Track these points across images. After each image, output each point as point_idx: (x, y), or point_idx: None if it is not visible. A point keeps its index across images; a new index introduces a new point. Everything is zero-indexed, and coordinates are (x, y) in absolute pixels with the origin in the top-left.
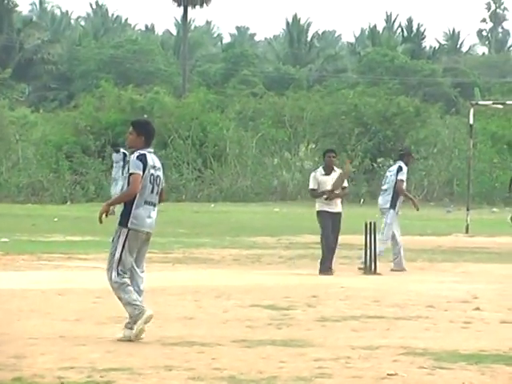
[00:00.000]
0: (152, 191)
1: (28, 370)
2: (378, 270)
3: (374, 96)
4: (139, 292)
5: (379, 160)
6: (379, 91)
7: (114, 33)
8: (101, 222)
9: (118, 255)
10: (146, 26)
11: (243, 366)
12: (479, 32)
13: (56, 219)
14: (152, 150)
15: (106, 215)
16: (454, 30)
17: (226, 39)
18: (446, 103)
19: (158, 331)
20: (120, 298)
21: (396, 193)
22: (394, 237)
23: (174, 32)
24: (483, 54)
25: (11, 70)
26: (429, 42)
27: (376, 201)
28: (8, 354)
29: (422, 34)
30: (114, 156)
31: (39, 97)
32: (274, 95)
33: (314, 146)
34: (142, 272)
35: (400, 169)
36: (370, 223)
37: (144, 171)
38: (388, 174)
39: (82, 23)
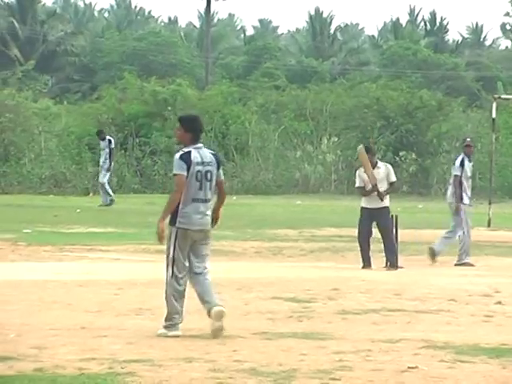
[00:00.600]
0: (200, 188)
1: (49, 360)
2: (399, 264)
3: (397, 89)
4: (203, 288)
5: (401, 153)
6: (402, 85)
7: (137, 25)
8: (162, 241)
9: (171, 255)
10: (169, 19)
11: (264, 359)
12: (502, 26)
13: (78, 210)
14: (200, 146)
15: (163, 231)
16: (477, 24)
17: (249, 32)
18: (468, 97)
19: None
20: (166, 300)
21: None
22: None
23: (197, 24)
24: (506, 47)
25: (34, 61)
26: (452, 36)
27: (398, 195)
28: (29, 344)
29: (445, 27)
30: (100, 144)
31: (62, 88)
32: (297, 88)
33: (336, 139)
34: (205, 269)
35: (454, 163)
36: (392, 216)
37: (189, 170)
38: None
39: (106, 15)
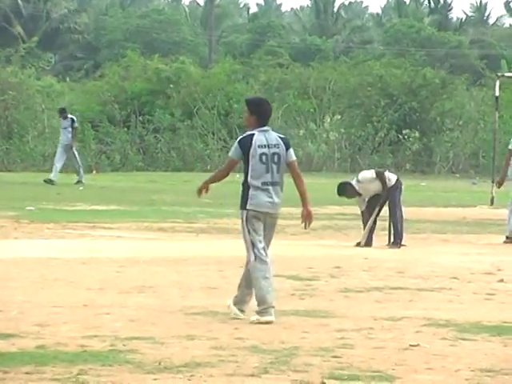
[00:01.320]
0: (268, 171)
1: (51, 338)
2: (403, 242)
3: (400, 67)
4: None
5: (405, 132)
6: (405, 63)
7: (140, 2)
8: (199, 195)
9: (248, 239)
10: None
11: (266, 336)
12: (506, 3)
13: (81, 188)
14: (266, 129)
15: (207, 191)
16: (481, 2)
17: (253, 9)
18: (472, 75)
19: (181, 301)
20: (255, 283)
21: None
22: None
23: (201, 2)
24: (510, 25)
25: (38, 39)
26: (456, 14)
27: (401, 173)
28: (31, 322)
29: (449, 5)
30: (62, 122)
31: (65, 66)
32: (300, 66)
33: (339, 118)
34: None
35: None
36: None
37: (248, 153)
38: None
39: None
